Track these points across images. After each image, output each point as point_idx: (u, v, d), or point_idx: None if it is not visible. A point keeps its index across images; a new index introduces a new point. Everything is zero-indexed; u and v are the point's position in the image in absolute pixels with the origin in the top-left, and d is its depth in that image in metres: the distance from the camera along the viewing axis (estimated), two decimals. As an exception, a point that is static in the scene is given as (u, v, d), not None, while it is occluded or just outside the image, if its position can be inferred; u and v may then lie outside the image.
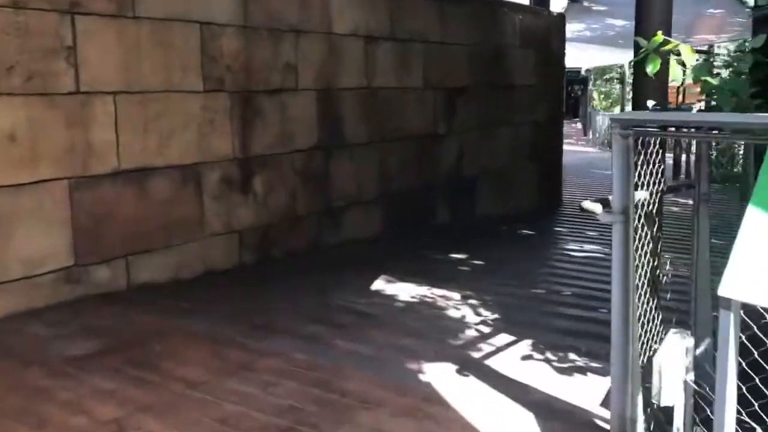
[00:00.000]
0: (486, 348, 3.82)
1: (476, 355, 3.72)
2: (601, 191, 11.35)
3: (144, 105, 4.82)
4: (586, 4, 11.07)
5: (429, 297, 4.86)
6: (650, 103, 3.06)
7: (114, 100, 4.64)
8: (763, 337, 1.99)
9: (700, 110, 3.23)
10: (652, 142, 2.63)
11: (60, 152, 4.37)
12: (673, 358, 2.68)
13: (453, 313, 4.52)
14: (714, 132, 2.20)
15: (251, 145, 5.56)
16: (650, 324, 2.81)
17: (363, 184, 6.66)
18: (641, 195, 2.59)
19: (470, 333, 4.10)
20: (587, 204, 2.48)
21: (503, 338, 3.99)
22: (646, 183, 2.62)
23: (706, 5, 10.48)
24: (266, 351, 3.61)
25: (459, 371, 3.45)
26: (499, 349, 3.81)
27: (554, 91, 9.66)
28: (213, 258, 5.32)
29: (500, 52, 8.39)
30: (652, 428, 2.59)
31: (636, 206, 2.49)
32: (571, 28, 10.78)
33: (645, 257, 2.66)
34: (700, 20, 11.13)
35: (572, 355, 3.73)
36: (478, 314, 4.48)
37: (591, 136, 22.48)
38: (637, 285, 2.51)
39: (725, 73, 10.67)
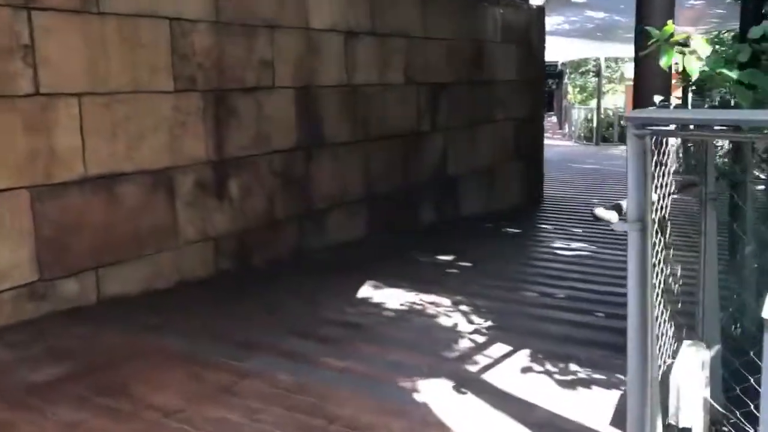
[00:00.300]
0: (482, 360, 3.61)
1: (473, 369, 3.50)
2: (582, 186, 11.23)
3: (111, 107, 4.52)
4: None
5: (419, 304, 4.63)
6: (657, 98, 2.86)
7: (79, 102, 4.33)
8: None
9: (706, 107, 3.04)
10: (664, 141, 2.43)
11: (20, 160, 4.05)
12: (690, 374, 2.50)
13: (445, 321, 4.29)
14: (750, 134, 1.98)
15: (226, 146, 5.28)
16: (663, 337, 2.62)
17: (346, 184, 6.41)
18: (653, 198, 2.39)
19: (464, 344, 3.88)
20: (601, 212, 2.26)
21: (499, 348, 3.77)
22: (657, 186, 2.42)
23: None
24: (248, 371, 3.35)
25: (456, 388, 3.23)
26: (496, 362, 3.59)
27: (535, 86, 9.49)
28: (188, 267, 5.04)
29: (482, 46, 8.18)
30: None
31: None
32: (550, 21, 10.62)
33: (659, 266, 2.47)
34: (680, 12, 11.02)
35: (573, 366, 3.53)
36: (471, 322, 4.26)
37: (567, 130, 22.45)
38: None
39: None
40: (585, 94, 27.36)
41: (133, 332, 3.95)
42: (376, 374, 3.39)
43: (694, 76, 2.39)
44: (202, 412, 2.93)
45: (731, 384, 2.51)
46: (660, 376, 2.45)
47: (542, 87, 9.90)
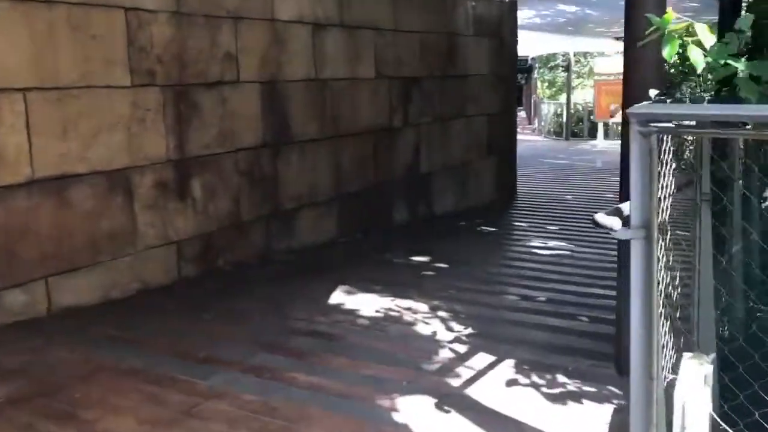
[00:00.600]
0: (465, 373, 3.38)
1: (455, 383, 3.27)
2: (554, 181, 11.10)
3: (62, 103, 4.19)
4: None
5: (394, 310, 4.39)
6: (653, 92, 2.65)
7: (24, 98, 4.00)
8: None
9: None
10: (665, 139, 2.23)
11: (-42, 161, 3.72)
12: (694, 390, 2.30)
13: (423, 329, 4.06)
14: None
15: (188, 145, 4.97)
16: (664, 350, 2.43)
17: (315, 183, 6.14)
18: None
19: (445, 354, 3.65)
20: (602, 218, 2.05)
21: (482, 359, 3.55)
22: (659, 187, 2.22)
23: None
24: (213, 391, 3.08)
25: (438, 405, 3.00)
26: (479, 374, 3.37)
27: (507, 80, 9.31)
28: (148, 274, 4.73)
29: (453, 40, 7.96)
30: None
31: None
32: (521, 15, 10.45)
33: (659, 273, 2.27)
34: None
35: (560, 377, 3.33)
36: (451, 329, 4.04)
37: (536, 125, 22.42)
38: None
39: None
40: (554, 89, 27.40)
41: (87, 347, 3.65)
42: (351, 391, 3.14)
43: (699, 69, 2.18)
44: (161, 440, 2.65)
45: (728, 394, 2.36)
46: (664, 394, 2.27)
47: (515, 82, 9.72)
